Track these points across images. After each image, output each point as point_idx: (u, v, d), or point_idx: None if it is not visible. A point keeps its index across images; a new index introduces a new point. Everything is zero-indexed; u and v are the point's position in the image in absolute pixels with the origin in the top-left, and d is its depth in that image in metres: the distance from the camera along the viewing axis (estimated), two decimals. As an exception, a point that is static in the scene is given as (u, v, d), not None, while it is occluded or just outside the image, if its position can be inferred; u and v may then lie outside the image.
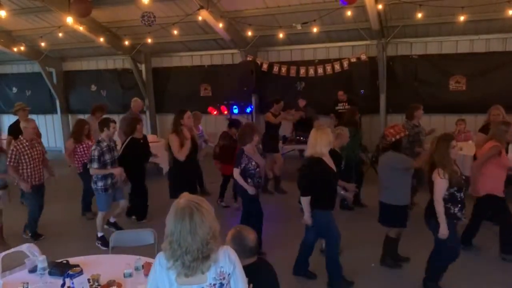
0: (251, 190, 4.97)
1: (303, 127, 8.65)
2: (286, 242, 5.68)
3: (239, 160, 4.99)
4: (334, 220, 4.43)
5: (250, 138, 5.04)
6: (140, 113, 8.37)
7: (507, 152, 5.31)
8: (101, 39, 10.10)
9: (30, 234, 6.02)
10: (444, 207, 3.96)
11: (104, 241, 5.60)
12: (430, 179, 4.03)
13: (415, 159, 5.51)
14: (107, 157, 5.59)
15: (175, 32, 9.21)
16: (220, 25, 9.15)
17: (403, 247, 5.00)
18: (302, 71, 9.82)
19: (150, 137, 8.07)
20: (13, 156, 5.64)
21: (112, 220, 6.20)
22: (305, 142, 8.54)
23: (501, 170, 4.90)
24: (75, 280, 3.10)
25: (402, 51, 9.75)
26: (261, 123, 9.77)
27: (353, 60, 9.46)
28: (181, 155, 5.55)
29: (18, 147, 5.68)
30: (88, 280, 3.11)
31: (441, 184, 3.92)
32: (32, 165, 5.78)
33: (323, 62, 9.94)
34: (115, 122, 5.78)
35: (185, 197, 2.14)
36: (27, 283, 3.09)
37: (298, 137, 8.76)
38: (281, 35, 9.26)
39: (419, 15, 7.73)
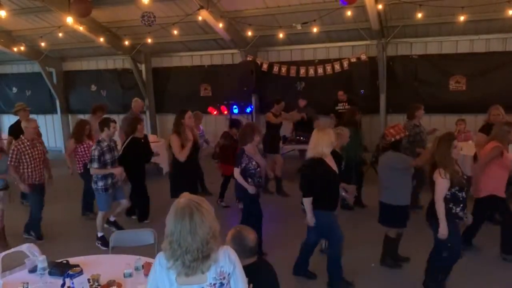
0: (251, 189, 4.96)
1: (303, 127, 8.66)
2: (286, 242, 5.68)
3: (240, 160, 4.99)
4: (336, 221, 4.42)
5: (250, 138, 5.04)
6: (140, 113, 8.37)
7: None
8: (101, 39, 10.10)
9: (35, 235, 6.01)
10: (446, 207, 3.95)
11: (104, 241, 5.60)
12: (432, 179, 4.03)
13: (415, 159, 5.51)
14: (107, 157, 5.59)
15: (175, 32, 9.20)
16: (220, 25, 9.15)
17: (403, 247, 5.00)
18: (302, 71, 9.82)
19: (150, 137, 8.07)
20: (14, 156, 5.64)
21: (112, 219, 6.20)
22: (305, 142, 8.56)
23: (503, 170, 4.89)
24: (75, 280, 3.10)
25: (402, 51, 9.75)
26: (261, 123, 9.77)
27: (353, 60, 9.45)
28: (182, 156, 5.55)
29: (19, 146, 5.68)
30: (88, 280, 3.11)
31: (442, 184, 3.92)
32: (33, 165, 5.78)
33: (323, 62, 9.93)
34: (115, 122, 5.79)
35: (185, 197, 2.14)
36: (27, 283, 3.09)
37: (298, 137, 8.75)
38: (281, 35, 9.26)
39: (419, 15, 7.73)
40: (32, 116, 7.73)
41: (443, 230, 3.95)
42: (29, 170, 5.76)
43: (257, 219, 5.16)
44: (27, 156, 5.70)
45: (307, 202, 4.27)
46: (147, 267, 3.22)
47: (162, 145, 9.34)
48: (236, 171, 5.00)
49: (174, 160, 5.69)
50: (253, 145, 5.08)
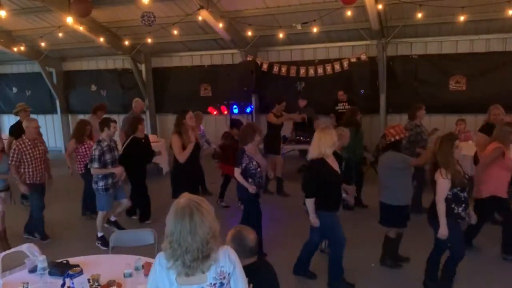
0: (251, 189, 4.96)
1: (303, 127, 8.66)
2: (286, 242, 5.69)
3: (240, 160, 4.99)
4: (339, 221, 4.42)
5: (251, 138, 5.03)
6: (141, 114, 8.36)
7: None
8: (101, 39, 10.10)
9: (39, 237, 6.00)
10: (449, 207, 3.94)
11: (104, 241, 5.60)
12: (433, 179, 4.02)
13: (415, 158, 5.51)
14: (108, 156, 5.59)
15: (175, 32, 9.20)
16: (220, 25, 9.15)
17: (403, 247, 5.00)
18: (302, 71, 9.81)
19: (150, 137, 8.07)
20: (15, 155, 5.63)
21: (112, 218, 6.20)
22: (305, 142, 8.61)
23: (505, 171, 4.89)
24: (75, 280, 3.10)
25: (402, 51, 9.75)
26: (261, 123, 9.77)
27: (353, 60, 9.45)
28: (182, 157, 5.52)
29: (20, 146, 5.67)
30: (88, 280, 3.11)
31: (443, 184, 3.91)
32: (33, 165, 5.77)
33: (323, 62, 9.93)
34: (115, 122, 5.79)
35: (185, 197, 2.14)
36: (27, 283, 3.09)
37: (298, 137, 8.75)
38: (281, 35, 9.26)
39: (419, 15, 7.73)
40: (32, 116, 7.71)
41: (443, 231, 3.96)
42: (30, 169, 5.75)
43: (257, 219, 5.16)
44: (28, 156, 5.70)
45: (310, 203, 4.26)
46: (147, 267, 3.22)
47: (162, 145, 9.34)
48: (237, 171, 5.00)
49: (175, 161, 5.68)
50: (253, 145, 5.08)
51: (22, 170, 5.72)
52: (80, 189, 7.10)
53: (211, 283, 2.13)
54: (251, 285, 2.52)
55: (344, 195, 4.87)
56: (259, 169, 5.06)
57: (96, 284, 3.06)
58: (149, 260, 3.34)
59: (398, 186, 4.62)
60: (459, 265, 4.21)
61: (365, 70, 9.47)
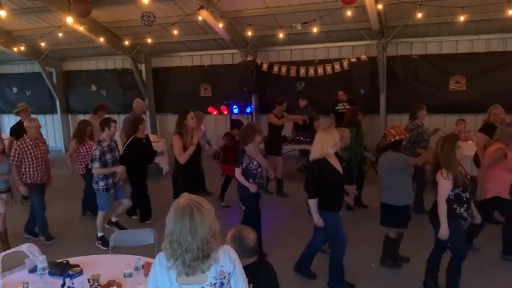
0: (252, 188, 4.96)
1: (304, 127, 8.65)
2: (286, 242, 5.69)
3: (241, 160, 5.00)
4: (341, 222, 4.41)
5: (251, 138, 5.04)
6: (141, 114, 8.36)
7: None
8: (101, 39, 10.10)
9: (44, 238, 5.99)
10: (450, 208, 3.93)
11: (104, 241, 5.60)
12: (435, 179, 4.01)
13: (415, 158, 5.50)
14: (108, 156, 5.59)
15: (175, 32, 9.20)
16: (220, 25, 9.15)
17: (404, 247, 5.00)
18: (302, 71, 9.81)
19: (150, 137, 8.07)
20: (16, 155, 5.62)
21: (114, 219, 6.20)
22: (305, 142, 8.61)
23: (508, 172, 4.87)
24: (75, 280, 3.11)
25: (402, 51, 9.75)
26: (261, 123, 9.77)
27: (353, 60, 9.45)
28: (183, 159, 5.48)
29: (21, 146, 5.66)
30: (88, 280, 3.11)
31: (445, 185, 3.91)
32: (34, 164, 5.76)
33: (323, 62, 9.93)
34: (116, 122, 5.79)
35: (185, 197, 2.15)
36: (27, 283, 3.09)
37: (298, 137, 8.75)
38: (281, 35, 9.26)
39: (419, 15, 7.73)
40: (32, 116, 7.71)
41: (443, 231, 3.95)
42: (31, 169, 5.74)
43: (257, 219, 5.16)
44: (29, 156, 5.68)
45: (313, 203, 4.25)
46: (147, 267, 3.22)
47: (162, 144, 9.34)
48: (237, 171, 5.00)
49: (176, 162, 5.65)
50: (254, 145, 5.08)
51: (23, 169, 5.71)
52: (80, 189, 7.10)
53: (211, 283, 2.14)
54: (251, 285, 2.53)
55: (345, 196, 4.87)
56: (259, 169, 5.07)
57: (96, 284, 3.06)
58: (149, 260, 3.34)
59: (398, 186, 4.63)
60: (459, 265, 4.21)
61: (365, 70, 9.47)
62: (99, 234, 5.80)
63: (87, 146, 6.58)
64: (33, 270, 3.35)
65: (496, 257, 5.06)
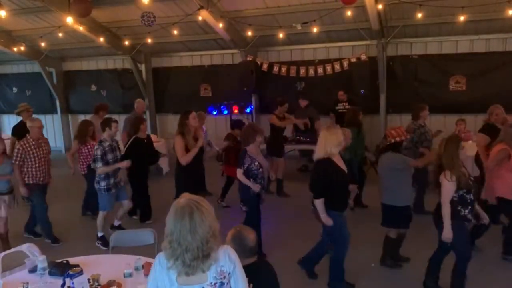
0: (255, 188, 4.96)
1: (304, 130, 8.62)
2: (286, 242, 5.69)
3: (242, 160, 5.00)
4: (346, 222, 4.40)
5: (252, 138, 5.04)
6: (142, 114, 8.36)
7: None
8: (101, 39, 10.10)
9: (50, 241, 5.97)
10: (454, 210, 3.91)
11: (104, 241, 5.60)
12: (438, 181, 3.99)
13: (417, 159, 5.50)
14: (110, 156, 5.59)
15: (175, 32, 9.20)
16: (220, 25, 9.15)
17: (404, 247, 5.00)
18: (302, 71, 9.81)
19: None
20: (19, 155, 5.61)
21: (116, 223, 6.15)
22: (305, 142, 8.60)
23: (511, 173, 4.87)
24: (75, 280, 3.11)
25: (402, 51, 9.74)
26: (261, 123, 9.78)
27: (353, 60, 9.44)
28: (184, 160, 5.45)
29: (24, 146, 5.65)
30: (88, 280, 3.11)
31: (448, 187, 3.89)
32: (37, 165, 5.74)
33: (323, 62, 9.93)
34: (117, 122, 5.79)
35: (185, 197, 2.15)
36: (27, 283, 3.10)
37: (298, 137, 8.74)
38: (281, 35, 9.26)
39: (419, 15, 7.73)
40: (32, 116, 7.71)
41: (447, 233, 3.92)
42: (34, 169, 5.72)
43: (257, 219, 5.16)
44: (31, 156, 5.67)
45: (319, 203, 4.21)
46: (147, 267, 3.22)
47: (162, 145, 9.35)
48: (239, 172, 5.00)
49: (178, 162, 5.61)
50: (255, 145, 5.08)
51: (25, 169, 5.69)
52: (80, 189, 7.10)
53: (211, 283, 2.14)
54: (251, 285, 2.53)
55: None
56: (261, 170, 5.06)
57: (96, 284, 3.06)
58: (149, 260, 3.34)
59: (398, 187, 4.62)
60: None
61: (365, 70, 9.46)
62: (99, 234, 5.80)
63: (88, 146, 6.57)
64: (33, 270, 3.35)
65: (496, 257, 5.06)
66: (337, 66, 9.55)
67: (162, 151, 7.23)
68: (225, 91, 10.58)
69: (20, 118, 7.76)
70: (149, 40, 9.85)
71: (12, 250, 3.69)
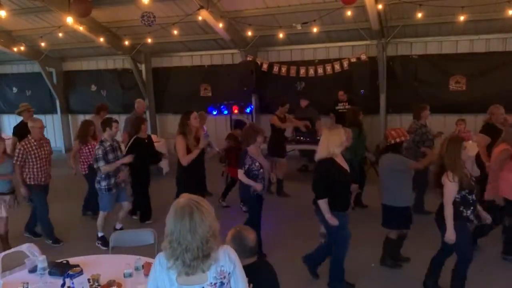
0: (258, 187, 4.96)
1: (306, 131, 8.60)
2: (286, 242, 5.69)
3: (243, 161, 5.00)
4: (348, 222, 4.39)
5: (253, 139, 5.03)
6: (143, 114, 8.36)
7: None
8: (101, 39, 10.10)
9: (51, 241, 5.96)
10: (457, 211, 3.90)
11: (104, 241, 5.59)
12: (440, 182, 3.97)
13: (419, 159, 5.49)
14: (111, 156, 5.60)
15: (175, 32, 9.20)
16: (220, 25, 9.15)
17: (404, 247, 4.99)
18: (302, 71, 9.81)
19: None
20: (20, 155, 5.60)
21: (118, 226, 6.13)
22: (305, 142, 8.60)
23: None
24: (75, 280, 3.11)
25: (402, 51, 9.75)
26: (261, 123, 9.78)
27: (353, 60, 9.45)
28: (185, 161, 5.43)
29: (25, 146, 5.64)
30: (88, 280, 3.11)
31: (451, 188, 3.86)
32: (38, 165, 5.72)
33: (323, 62, 9.93)
34: (117, 122, 5.79)
35: (185, 197, 2.15)
36: (27, 283, 3.10)
37: (298, 137, 8.74)
38: (281, 35, 9.26)
39: (419, 15, 7.73)
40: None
41: (450, 235, 3.90)
42: (35, 170, 5.71)
43: (257, 220, 5.16)
44: (33, 156, 5.66)
45: (323, 203, 4.20)
46: (147, 267, 3.22)
47: (162, 145, 9.34)
48: (240, 172, 5.00)
49: (179, 162, 5.58)
50: (255, 146, 5.08)
51: (26, 170, 5.67)
52: (81, 189, 7.10)
53: (211, 283, 2.14)
54: (251, 285, 2.53)
55: None
56: (261, 170, 5.06)
57: (96, 284, 3.06)
58: (149, 260, 3.34)
59: (398, 188, 4.62)
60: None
61: (365, 70, 9.46)
62: (99, 234, 5.80)
63: (89, 146, 6.57)
64: (33, 270, 3.35)
65: (496, 257, 5.06)
66: (337, 66, 9.55)
67: (162, 151, 7.20)
68: (225, 91, 10.58)
69: (20, 118, 7.76)
70: (149, 40, 9.85)
71: (12, 250, 3.69)
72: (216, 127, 11.19)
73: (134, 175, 6.45)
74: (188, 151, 5.47)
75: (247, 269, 2.37)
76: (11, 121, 13.26)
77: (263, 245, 5.02)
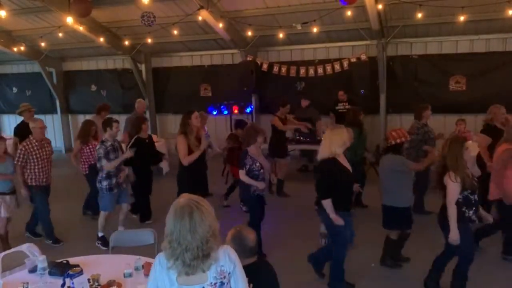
0: (261, 185, 4.95)
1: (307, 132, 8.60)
2: (286, 242, 5.69)
3: (244, 161, 4.99)
4: (351, 222, 4.38)
5: (254, 139, 5.03)
6: (143, 114, 8.36)
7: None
8: (101, 39, 10.11)
9: (51, 242, 5.95)
10: (460, 211, 3.89)
11: (104, 241, 5.59)
12: (442, 182, 3.97)
13: (421, 159, 5.48)
14: (112, 156, 5.60)
15: (175, 32, 9.20)
16: (220, 25, 9.15)
17: (404, 247, 4.99)
18: (302, 71, 9.81)
19: (151, 137, 8.07)
20: (21, 156, 5.59)
21: (120, 229, 6.13)
22: (305, 142, 8.60)
23: None
24: (75, 280, 3.11)
25: (402, 51, 9.75)
26: (261, 123, 9.78)
27: (353, 60, 9.44)
28: (186, 161, 5.42)
29: (27, 146, 5.63)
30: (88, 280, 3.11)
31: (453, 188, 3.86)
32: (40, 165, 5.71)
33: (323, 62, 9.93)
34: (118, 122, 5.79)
35: (184, 197, 2.15)
36: (27, 283, 3.09)
37: (298, 137, 8.73)
38: (281, 35, 9.26)
39: (419, 15, 7.73)
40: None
41: (454, 236, 3.89)
42: (36, 170, 5.70)
43: (258, 220, 5.16)
44: (34, 157, 5.64)
45: (327, 204, 4.19)
46: (147, 267, 3.22)
47: (162, 145, 9.33)
48: (242, 173, 4.99)
49: (180, 162, 5.57)
50: (256, 146, 5.08)
51: (28, 171, 5.67)
52: (81, 189, 7.10)
53: (211, 283, 2.14)
54: (251, 285, 2.53)
55: None
56: (262, 171, 5.06)
57: (96, 284, 3.06)
58: (149, 260, 3.34)
59: (399, 188, 4.61)
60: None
61: (365, 70, 9.46)
62: (100, 234, 5.80)
63: (90, 146, 6.57)
64: (33, 270, 3.35)
65: (496, 257, 5.06)
66: (337, 66, 9.55)
67: (162, 151, 7.20)
68: (225, 91, 10.58)
69: (21, 118, 7.75)
70: (149, 40, 9.85)
71: (12, 250, 3.69)
72: (216, 127, 11.19)
73: (135, 176, 6.44)
74: (190, 151, 5.46)
75: (247, 269, 2.37)
76: (11, 121, 13.27)
77: (263, 245, 5.02)
